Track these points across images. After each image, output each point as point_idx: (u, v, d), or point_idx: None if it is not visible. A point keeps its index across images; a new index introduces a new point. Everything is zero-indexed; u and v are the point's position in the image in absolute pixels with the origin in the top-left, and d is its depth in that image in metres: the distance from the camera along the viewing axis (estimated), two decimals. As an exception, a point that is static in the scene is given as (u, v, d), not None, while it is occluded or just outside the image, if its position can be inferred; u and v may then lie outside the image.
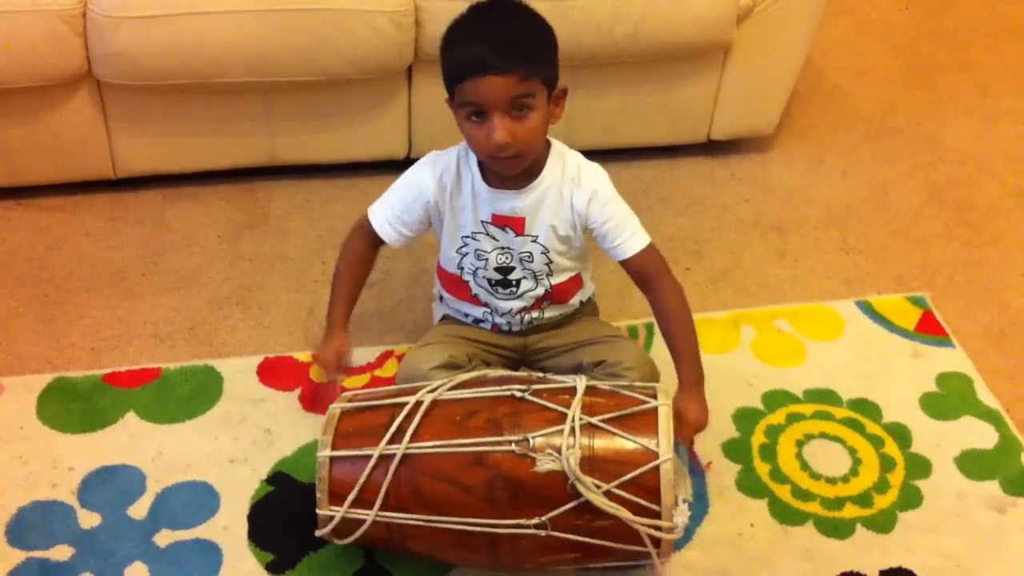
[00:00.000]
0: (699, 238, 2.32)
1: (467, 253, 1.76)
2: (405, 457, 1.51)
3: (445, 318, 1.89)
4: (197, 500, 1.71)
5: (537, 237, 1.73)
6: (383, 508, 1.51)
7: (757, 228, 2.36)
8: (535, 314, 1.82)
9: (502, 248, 1.74)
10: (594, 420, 1.51)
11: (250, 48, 2.11)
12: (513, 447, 1.48)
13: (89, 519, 1.68)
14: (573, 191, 1.70)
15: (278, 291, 2.12)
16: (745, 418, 1.90)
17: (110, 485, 1.73)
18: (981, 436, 1.89)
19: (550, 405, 1.53)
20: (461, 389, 1.58)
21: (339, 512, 1.52)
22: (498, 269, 1.76)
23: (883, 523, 1.74)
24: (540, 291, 1.78)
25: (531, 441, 1.48)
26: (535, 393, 1.55)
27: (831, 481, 1.80)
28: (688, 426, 1.64)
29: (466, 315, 1.85)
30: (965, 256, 2.32)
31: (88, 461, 1.76)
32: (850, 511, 1.75)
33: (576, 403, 1.52)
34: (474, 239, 1.74)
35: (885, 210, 2.44)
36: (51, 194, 2.30)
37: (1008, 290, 2.23)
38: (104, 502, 1.70)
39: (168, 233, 2.25)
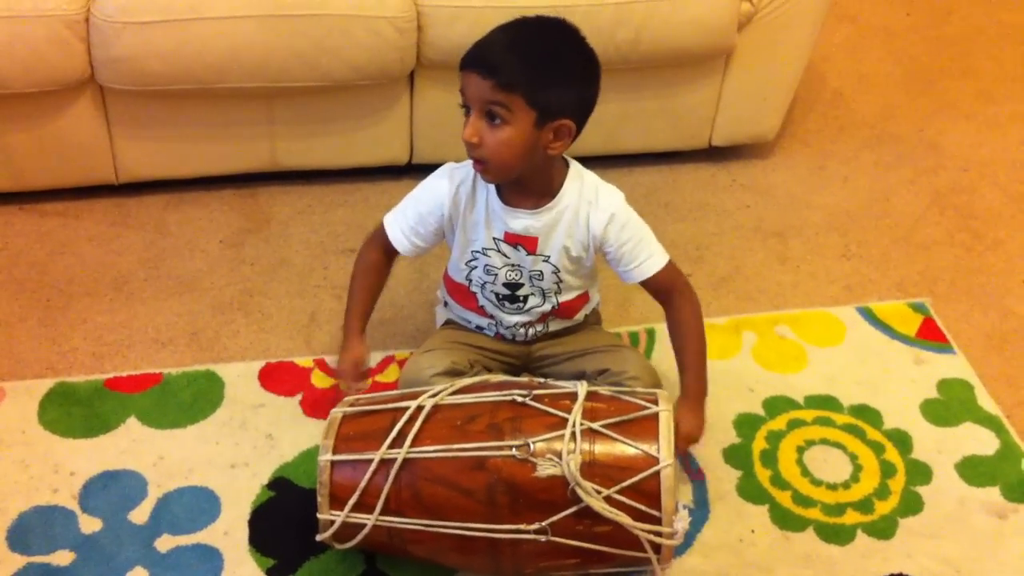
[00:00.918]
0: (700, 244, 2.32)
1: (476, 267, 1.75)
2: (406, 461, 1.51)
3: (448, 323, 1.89)
4: (198, 505, 1.71)
5: (549, 257, 1.72)
6: (384, 512, 1.51)
7: (758, 234, 2.36)
8: (539, 328, 1.82)
9: (512, 265, 1.73)
10: (595, 425, 1.51)
11: (252, 53, 2.11)
12: (514, 452, 1.49)
13: (90, 524, 1.68)
14: (590, 213, 1.69)
15: (280, 296, 2.12)
16: (746, 424, 1.90)
17: (111, 490, 1.73)
18: (982, 442, 1.89)
19: (551, 410, 1.53)
20: (462, 394, 1.59)
21: (340, 516, 1.52)
22: (507, 285, 1.76)
23: (884, 529, 1.74)
24: (547, 307, 1.78)
25: (532, 446, 1.49)
26: (536, 398, 1.55)
27: (832, 487, 1.80)
28: (682, 438, 1.64)
29: (469, 322, 1.85)
30: (966, 262, 2.32)
31: (89, 466, 1.76)
32: (851, 517, 1.75)
33: (577, 408, 1.52)
34: (484, 255, 1.73)
35: (886, 216, 2.44)
36: (53, 199, 2.30)
37: (1009, 296, 2.23)
38: (105, 507, 1.70)
39: (170, 238, 2.25)
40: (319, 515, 1.54)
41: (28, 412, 1.84)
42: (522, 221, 1.69)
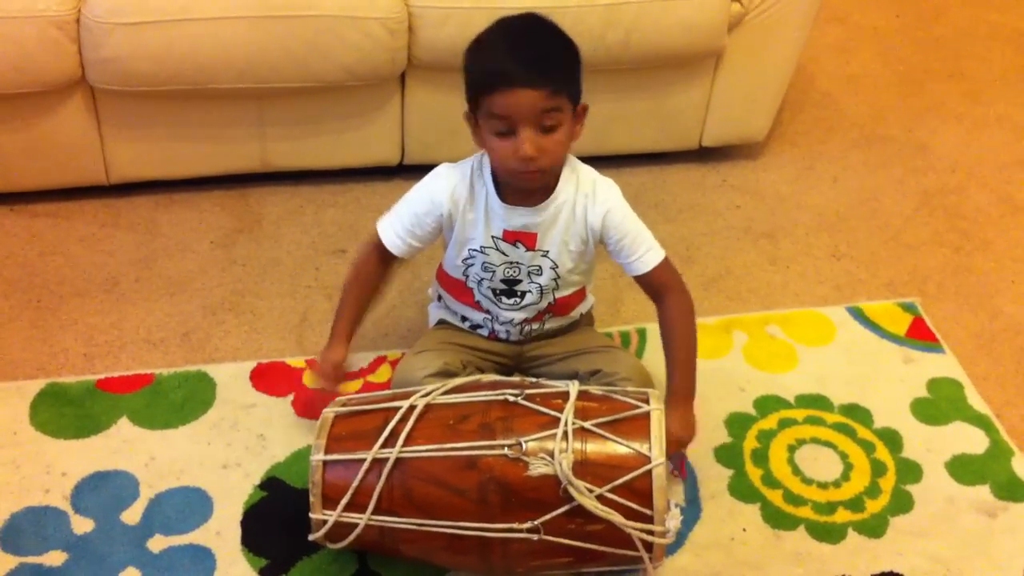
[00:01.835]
0: (691, 244, 2.33)
1: (473, 264, 1.75)
2: (398, 461, 1.51)
3: (441, 322, 1.89)
4: (190, 505, 1.71)
5: (548, 252, 1.72)
6: (376, 512, 1.51)
7: (748, 234, 2.37)
8: (535, 325, 1.82)
9: (511, 262, 1.73)
10: (587, 424, 1.51)
11: (243, 54, 2.11)
12: (506, 451, 1.49)
13: (82, 525, 1.68)
14: (588, 207, 1.69)
15: (271, 297, 2.12)
16: (737, 423, 1.90)
17: (103, 491, 1.73)
18: (971, 441, 1.90)
19: (543, 409, 1.53)
20: (454, 393, 1.59)
21: (332, 516, 1.52)
22: (504, 280, 1.76)
23: (874, 527, 1.74)
24: (544, 304, 1.78)
25: (524, 445, 1.49)
26: (528, 397, 1.55)
27: (823, 486, 1.81)
28: (671, 443, 1.61)
29: (464, 319, 1.85)
30: (955, 262, 2.33)
31: (81, 467, 1.76)
32: (841, 516, 1.76)
33: (569, 407, 1.53)
34: (483, 252, 1.73)
35: (876, 216, 2.45)
36: (44, 200, 2.30)
37: (998, 296, 2.24)
38: (97, 508, 1.70)
39: (161, 239, 2.25)
40: (311, 515, 1.54)
41: (19, 413, 1.84)
42: (522, 218, 1.69)
